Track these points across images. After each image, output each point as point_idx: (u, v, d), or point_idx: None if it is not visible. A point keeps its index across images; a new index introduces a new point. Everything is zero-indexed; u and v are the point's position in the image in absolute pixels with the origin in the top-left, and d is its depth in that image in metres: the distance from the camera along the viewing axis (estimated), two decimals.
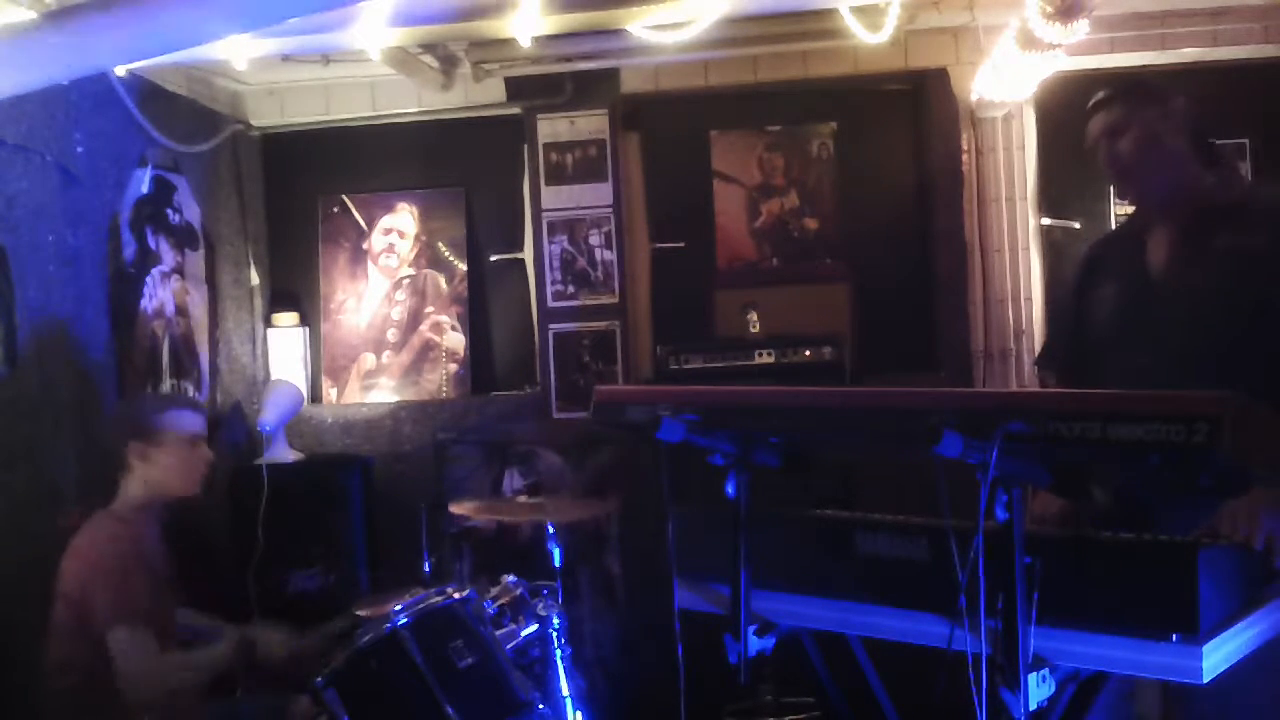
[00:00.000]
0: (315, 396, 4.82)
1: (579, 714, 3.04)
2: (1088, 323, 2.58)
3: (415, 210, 4.86)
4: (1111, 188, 4.53)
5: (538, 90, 4.59)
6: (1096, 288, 2.60)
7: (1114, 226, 4.43)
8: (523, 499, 3.37)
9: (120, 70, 3.65)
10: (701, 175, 4.78)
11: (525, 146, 4.68)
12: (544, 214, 4.64)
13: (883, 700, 2.28)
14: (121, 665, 2.72)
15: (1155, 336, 2.40)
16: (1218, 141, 2.55)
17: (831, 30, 4.00)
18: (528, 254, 4.78)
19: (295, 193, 4.90)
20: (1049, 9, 3.17)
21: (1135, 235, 2.58)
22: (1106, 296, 2.56)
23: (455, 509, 3.39)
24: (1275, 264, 2.30)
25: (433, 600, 2.76)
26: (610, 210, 4.61)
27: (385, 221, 4.87)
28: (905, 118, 4.74)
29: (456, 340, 4.80)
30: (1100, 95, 2.61)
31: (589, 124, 4.61)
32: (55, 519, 3.04)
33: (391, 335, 4.83)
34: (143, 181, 3.97)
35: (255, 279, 4.78)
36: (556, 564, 3.31)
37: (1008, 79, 3.94)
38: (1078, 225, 4.59)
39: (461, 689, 2.60)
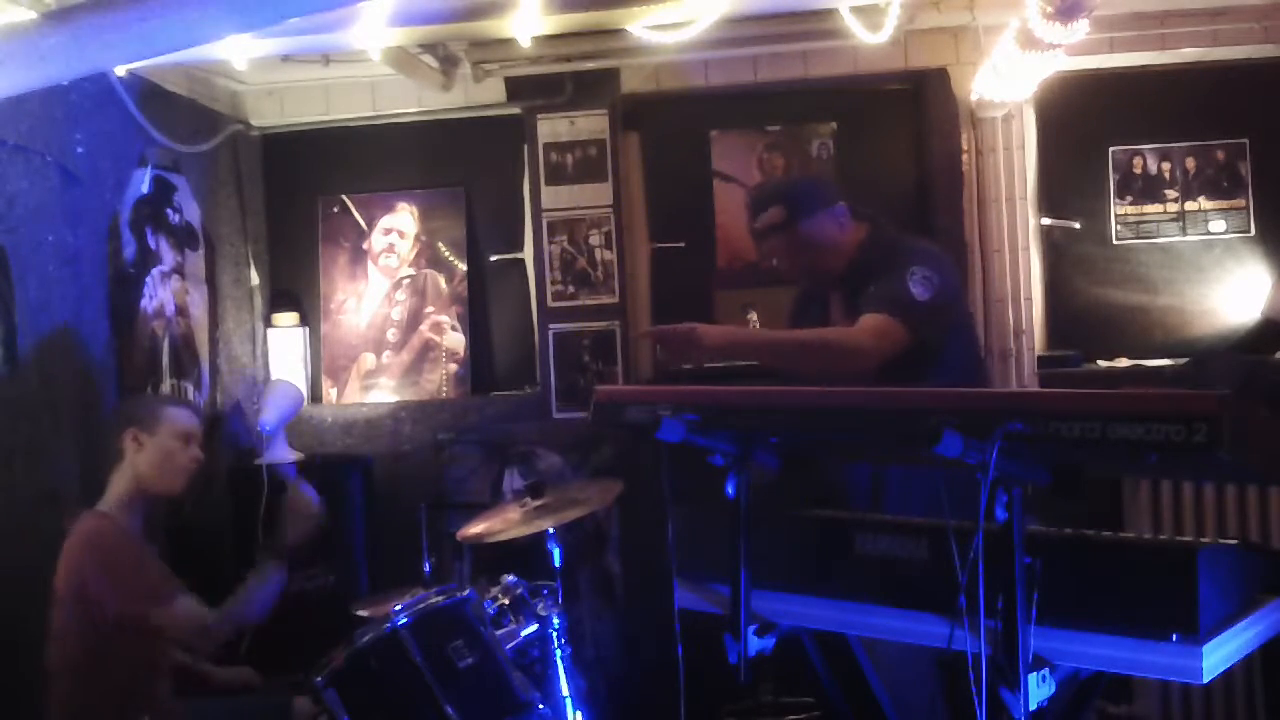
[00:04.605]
0: (315, 396, 4.82)
1: (579, 714, 3.04)
2: None
3: (415, 210, 4.86)
4: (1110, 188, 4.57)
5: (538, 90, 4.59)
6: None
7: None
8: (526, 503, 3.36)
9: (120, 70, 3.65)
10: (701, 175, 4.78)
11: (525, 146, 4.67)
12: (544, 214, 4.64)
13: (883, 700, 2.28)
14: (181, 635, 2.83)
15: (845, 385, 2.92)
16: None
17: (831, 30, 4.00)
18: (528, 254, 4.78)
19: (295, 193, 4.90)
20: (1049, 9, 3.17)
21: (820, 299, 3.15)
22: None
23: (462, 535, 3.39)
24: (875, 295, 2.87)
25: (433, 600, 2.77)
26: (610, 210, 4.60)
27: (385, 221, 4.87)
28: (905, 118, 4.73)
29: (456, 340, 4.80)
30: (766, 219, 3.00)
31: (589, 124, 4.61)
32: (55, 519, 3.04)
33: (391, 335, 4.83)
34: (143, 181, 3.97)
35: (255, 279, 4.78)
36: (556, 564, 3.31)
37: (1008, 79, 3.94)
38: (1078, 225, 4.59)
39: (461, 689, 2.60)
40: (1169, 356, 4.41)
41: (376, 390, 4.80)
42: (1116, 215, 4.60)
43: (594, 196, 4.61)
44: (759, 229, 3.01)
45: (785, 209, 2.96)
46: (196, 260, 4.34)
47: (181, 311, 4.18)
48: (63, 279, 3.42)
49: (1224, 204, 4.57)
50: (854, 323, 2.89)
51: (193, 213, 4.32)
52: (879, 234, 3.09)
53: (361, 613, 3.30)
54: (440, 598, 2.78)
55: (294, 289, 4.91)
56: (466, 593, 2.85)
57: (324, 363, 4.85)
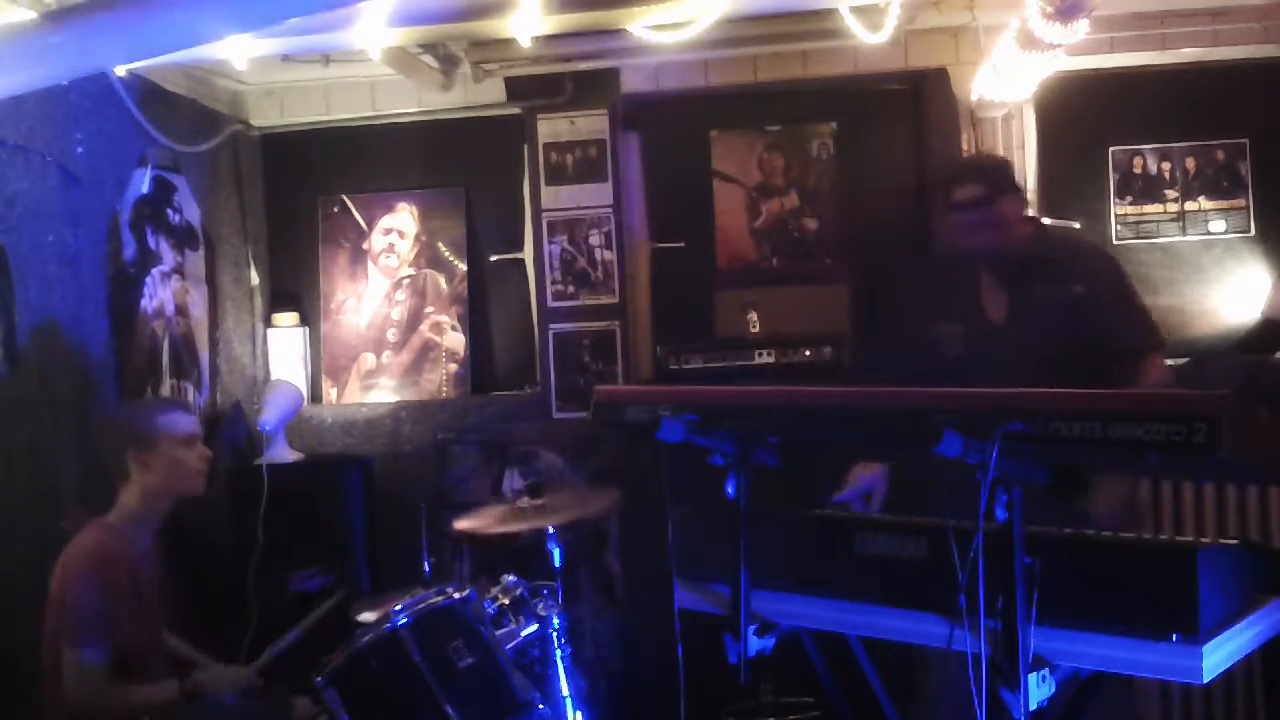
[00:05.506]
0: (315, 396, 4.82)
1: (579, 714, 3.04)
2: (936, 353, 3.05)
3: (415, 210, 4.86)
4: (1110, 188, 4.56)
5: (538, 90, 4.59)
6: (941, 323, 3.09)
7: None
8: (525, 502, 3.36)
9: (120, 70, 3.65)
10: (701, 175, 4.78)
11: (525, 146, 4.67)
12: (544, 214, 4.63)
13: (883, 700, 2.28)
14: (65, 682, 2.69)
15: (1001, 372, 2.78)
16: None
17: (831, 30, 4.00)
18: (528, 254, 4.78)
19: (295, 193, 4.90)
20: (1049, 9, 3.17)
21: (965, 279, 3.10)
22: (953, 334, 3.06)
23: (460, 525, 3.39)
24: (1085, 309, 2.93)
25: (433, 600, 2.76)
26: (610, 210, 4.60)
27: (385, 221, 4.87)
28: (905, 118, 4.73)
29: (456, 340, 4.80)
30: (969, 192, 3.01)
31: (589, 124, 4.61)
32: (55, 519, 3.04)
33: (391, 335, 4.83)
34: (143, 181, 3.97)
35: (255, 279, 4.78)
36: (556, 564, 3.31)
37: (1008, 79, 3.94)
38: (1078, 225, 4.59)
39: (461, 689, 2.60)
40: (1169, 356, 4.40)
41: (376, 390, 4.80)
42: (1116, 215, 4.60)
43: (594, 196, 4.61)
44: (959, 201, 3.02)
45: (986, 186, 3.00)
46: (196, 260, 4.34)
47: (181, 311, 4.18)
48: (63, 279, 3.42)
49: (1224, 204, 4.57)
50: (1029, 313, 2.98)
51: (193, 213, 4.32)
52: (1042, 228, 3.23)
53: (362, 616, 3.30)
54: (440, 598, 2.78)
55: (294, 289, 4.91)
56: (466, 593, 2.85)
57: (324, 363, 4.85)
